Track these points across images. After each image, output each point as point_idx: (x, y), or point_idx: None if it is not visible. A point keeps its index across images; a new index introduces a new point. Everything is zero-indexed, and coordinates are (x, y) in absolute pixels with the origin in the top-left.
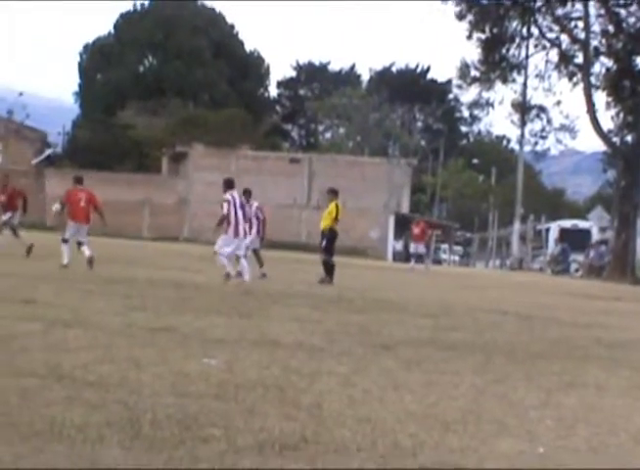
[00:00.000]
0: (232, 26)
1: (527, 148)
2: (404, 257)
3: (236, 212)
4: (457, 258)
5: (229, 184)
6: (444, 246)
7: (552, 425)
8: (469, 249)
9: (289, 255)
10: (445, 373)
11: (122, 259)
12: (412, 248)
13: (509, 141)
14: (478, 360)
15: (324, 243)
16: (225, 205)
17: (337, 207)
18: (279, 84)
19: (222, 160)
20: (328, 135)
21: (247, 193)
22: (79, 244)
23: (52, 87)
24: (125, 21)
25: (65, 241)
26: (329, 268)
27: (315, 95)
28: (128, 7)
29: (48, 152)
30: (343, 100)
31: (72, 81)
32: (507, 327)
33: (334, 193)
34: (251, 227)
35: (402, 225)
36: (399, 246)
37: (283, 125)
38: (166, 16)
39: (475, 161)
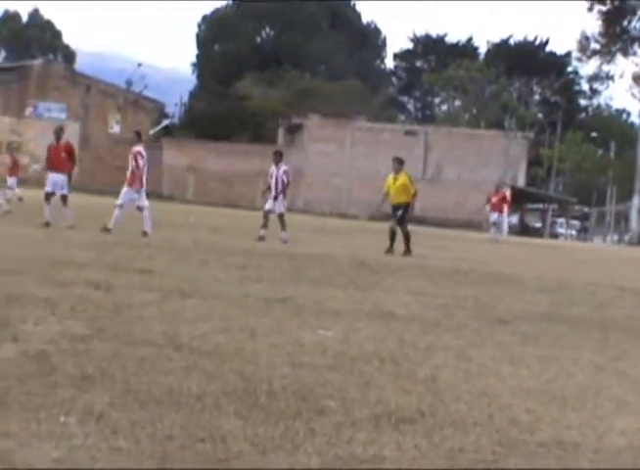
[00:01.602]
0: None
1: None
2: (519, 230)
3: (144, 165)
4: (574, 232)
5: (140, 136)
6: (561, 220)
7: None
8: (586, 223)
9: None
10: (562, 348)
11: (238, 230)
12: (491, 217)
13: (629, 115)
14: (595, 336)
15: (399, 213)
16: (140, 158)
17: (410, 181)
18: (395, 56)
19: (338, 131)
20: (444, 107)
21: (278, 154)
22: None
23: (170, 58)
24: None
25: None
26: (409, 239)
27: (432, 67)
28: None
29: (165, 122)
30: (460, 72)
31: (190, 52)
32: (625, 303)
33: (401, 163)
34: (276, 191)
35: (519, 199)
36: (515, 219)
37: (399, 97)
38: None
39: (593, 134)
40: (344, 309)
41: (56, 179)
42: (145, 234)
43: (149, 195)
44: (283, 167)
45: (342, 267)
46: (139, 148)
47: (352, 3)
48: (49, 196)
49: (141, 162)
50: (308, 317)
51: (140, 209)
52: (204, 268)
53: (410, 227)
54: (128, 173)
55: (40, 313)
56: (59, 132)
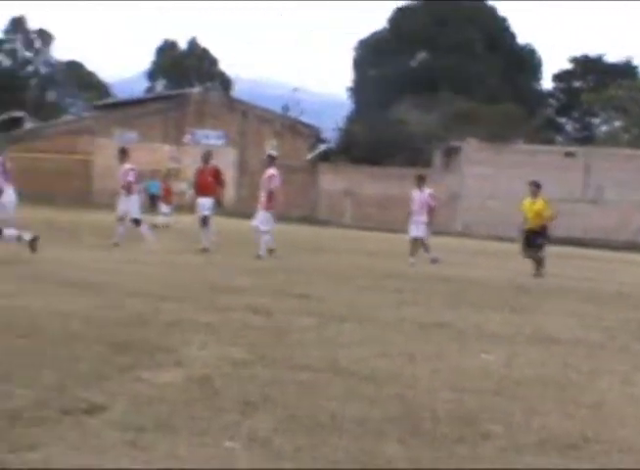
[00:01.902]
0: (504, 20)
1: None
2: None
3: (278, 188)
4: None
5: (274, 160)
6: None
7: None
8: None
9: (563, 249)
10: None
11: (394, 254)
12: None
13: None
14: None
15: (539, 240)
16: (277, 180)
17: (547, 204)
18: (555, 77)
19: (495, 154)
20: (604, 128)
21: (420, 178)
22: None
23: (326, 83)
24: (399, 15)
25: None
26: (543, 262)
27: (590, 88)
28: (405, 2)
29: (323, 147)
30: (620, 92)
31: (346, 77)
32: None
33: (538, 186)
34: (420, 215)
35: None
36: None
37: (557, 119)
38: (439, 9)
39: None
40: (505, 333)
41: (203, 202)
42: (259, 257)
43: (303, 219)
44: (427, 191)
45: (500, 290)
46: (273, 171)
47: (507, 25)
48: (203, 221)
49: (276, 184)
50: (468, 341)
51: (261, 231)
52: (361, 293)
53: (570, 250)
54: (263, 197)
55: (202, 339)
56: (206, 157)
